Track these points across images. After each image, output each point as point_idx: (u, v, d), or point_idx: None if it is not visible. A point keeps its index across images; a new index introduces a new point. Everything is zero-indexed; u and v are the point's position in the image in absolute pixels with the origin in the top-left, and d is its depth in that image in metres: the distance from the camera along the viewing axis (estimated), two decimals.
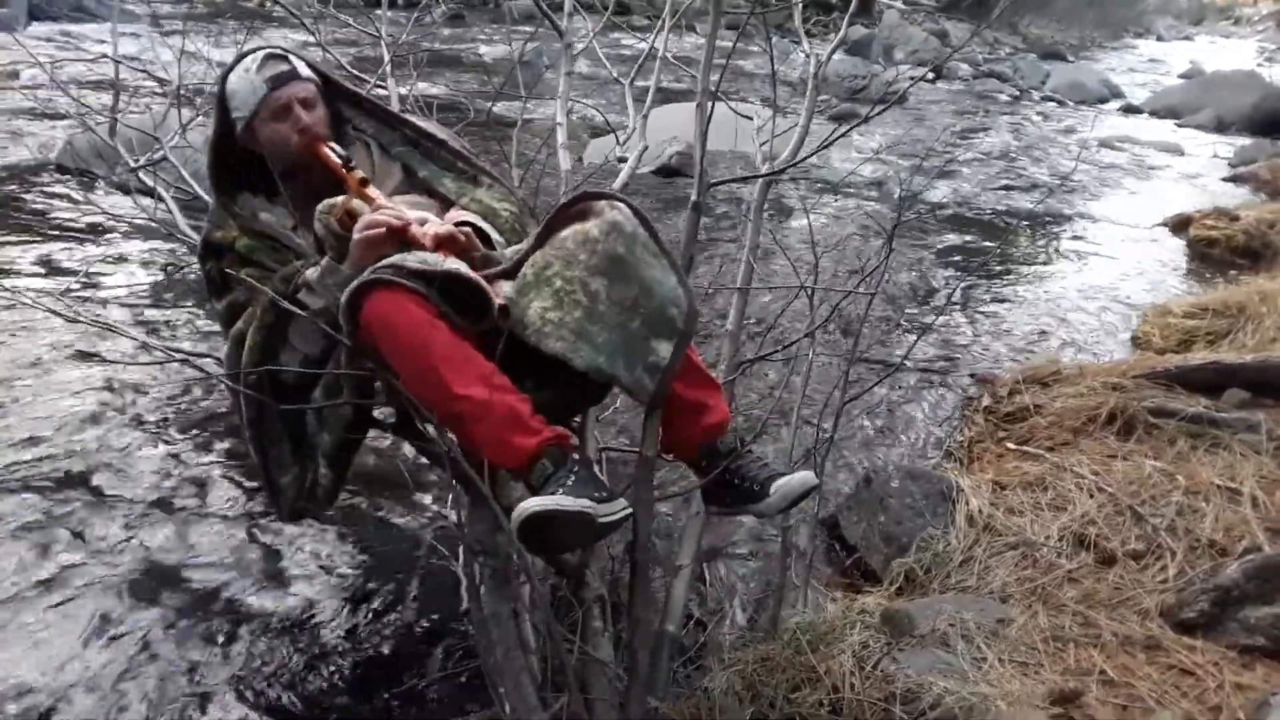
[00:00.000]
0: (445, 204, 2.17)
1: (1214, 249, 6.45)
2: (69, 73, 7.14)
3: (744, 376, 2.87)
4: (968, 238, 6.74)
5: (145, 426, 3.38)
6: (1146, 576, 2.66)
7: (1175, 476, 3.07)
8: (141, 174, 3.65)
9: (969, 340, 4.84)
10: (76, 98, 4.23)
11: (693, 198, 2.24)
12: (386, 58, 3.40)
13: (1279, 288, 4.77)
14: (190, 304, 4.42)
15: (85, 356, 3.72)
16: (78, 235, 5.22)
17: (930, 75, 14.52)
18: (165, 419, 3.45)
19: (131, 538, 2.80)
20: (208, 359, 3.03)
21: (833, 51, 2.91)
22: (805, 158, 2.52)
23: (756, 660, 2.25)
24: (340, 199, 1.95)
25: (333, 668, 2.42)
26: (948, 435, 3.83)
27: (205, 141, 2.20)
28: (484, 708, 2.14)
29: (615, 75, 3.41)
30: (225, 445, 3.31)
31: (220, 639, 2.47)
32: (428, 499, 3.10)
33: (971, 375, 4.36)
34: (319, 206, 1.96)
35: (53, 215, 5.52)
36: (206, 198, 3.17)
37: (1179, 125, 12.48)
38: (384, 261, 1.75)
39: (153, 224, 3.70)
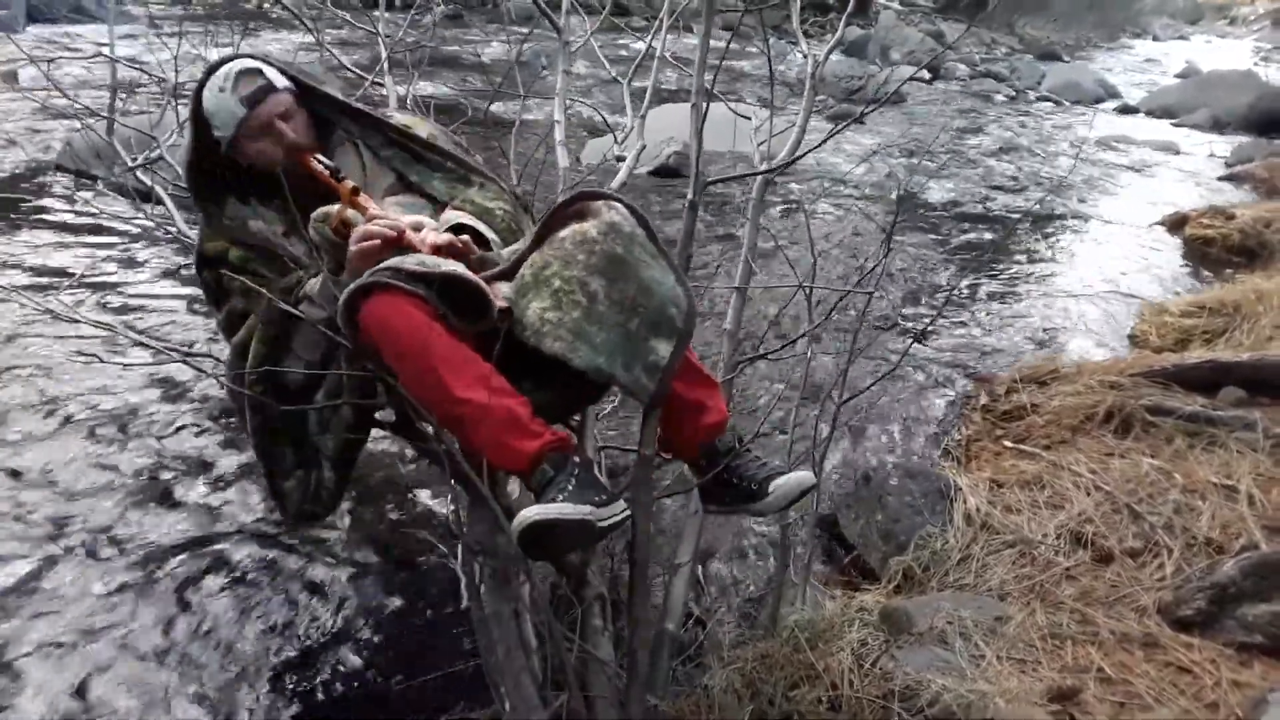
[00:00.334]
0: (437, 206, 2.16)
1: (1210, 248, 6.47)
2: (67, 73, 7.15)
3: (742, 375, 2.88)
4: (965, 237, 6.75)
5: (145, 425, 3.38)
6: (1144, 574, 2.67)
7: (1172, 474, 3.08)
8: (139, 173, 3.66)
9: (966, 339, 4.85)
10: (73, 98, 4.23)
11: (689, 197, 2.25)
12: (384, 56, 3.40)
13: (1275, 286, 4.78)
14: (189, 304, 4.42)
15: (84, 356, 3.72)
16: (76, 235, 5.22)
17: (926, 75, 14.55)
18: (164, 418, 3.45)
19: (130, 537, 2.80)
20: (207, 359, 3.03)
21: (830, 51, 2.92)
22: (801, 156, 2.53)
23: (756, 658, 2.26)
24: (335, 207, 1.95)
25: (333, 667, 2.43)
26: (946, 434, 3.84)
27: (183, 154, 2.18)
28: (485, 706, 2.15)
29: (614, 75, 3.41)
30: (224, 444, 3.31)
31: (219, 638, 2.47)
32: (427, 498, 3.10)
33: (969, 374, 4.37)
34: (314, 215, 1.96)
35: (51, 216, 5.52)
36: None
37: (1175, 125, 12.49)
38: (383, 264, 1.75)
39: (150, 224, 3.70)
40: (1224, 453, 3.19)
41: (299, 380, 2.06)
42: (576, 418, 2.38)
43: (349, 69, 3.76)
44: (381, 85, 3.42)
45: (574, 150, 4.47)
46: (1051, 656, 2.32)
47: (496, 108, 3.68)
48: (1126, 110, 13.71)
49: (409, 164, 2.23)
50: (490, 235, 2.09)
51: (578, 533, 1.63)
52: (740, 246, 2.67)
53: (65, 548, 2.74)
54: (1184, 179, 9.12)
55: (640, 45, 3.82)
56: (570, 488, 1.64)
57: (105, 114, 4.00)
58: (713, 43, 2.13)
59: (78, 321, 2.93)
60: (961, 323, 5.08)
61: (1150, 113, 13.43)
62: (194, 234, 3.16)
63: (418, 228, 1.91)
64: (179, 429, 3.40)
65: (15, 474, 3.05)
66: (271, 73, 2.08)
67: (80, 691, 2.26)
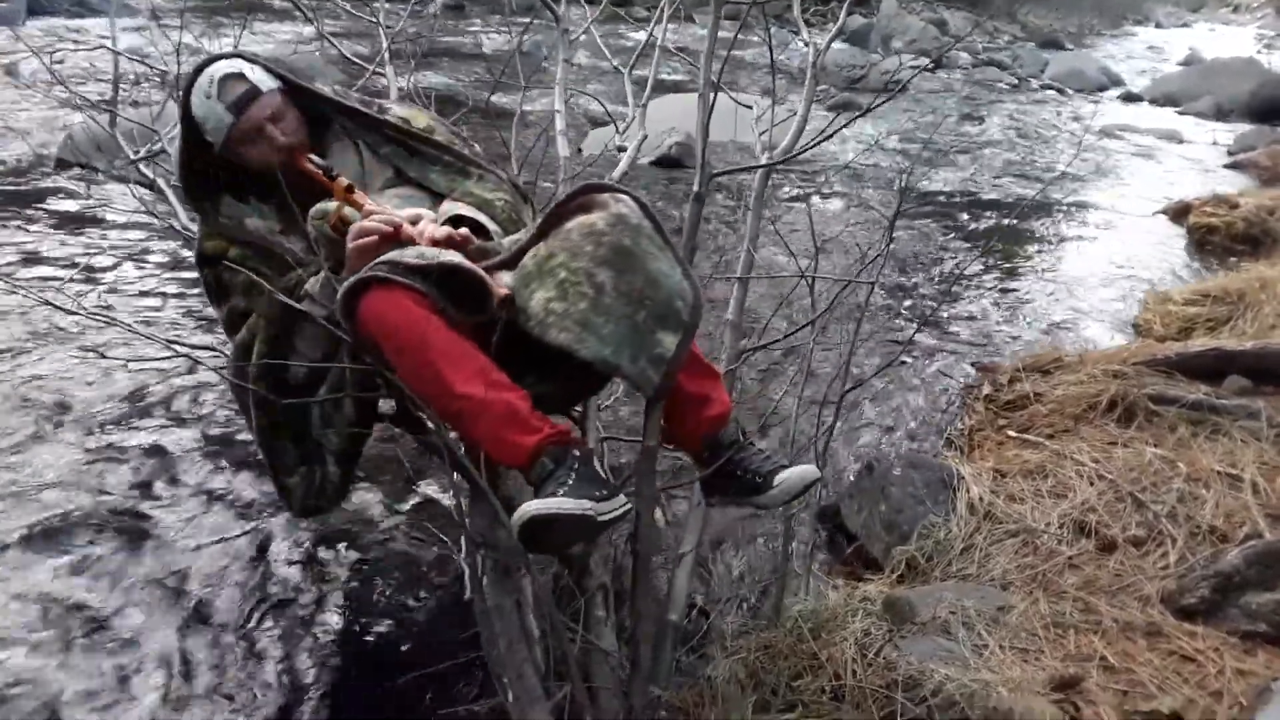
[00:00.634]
0: (437, 198, 2.15)
1: (1214, 236, 6.44)
2: (72, 65, 7.13)
3: (745, 366, 2.87)
4: (968, 226, 6.74)
5: (147, 419, 3.39)
6: (1147, 563, 2.67)
7: (1176, 463, 3.08)
8: (141, 166, 3.65)
9: (969, 328, 4.84)
10: (74, 90, 4.22)
11: (694, 189, 2.24)
12: (385, 47, 3.39)
13: (1278, 274, 4.77)
14: (192, 298, 4.42)
15: (87, 350, 3.72)
16: (78, 228, 5.22)
17: (930, 65, 14.50)
18: (167, 412, 3.45)
19: (134, 530, 2.81)
20: (211, 353, 3.03)
21: (831, 40, 2.90)
22: (805, 148, 2.52)
23: (759, 648, 2.26)
24: (333, 204, 1.94)
25: (337, 659, 2.43)
26: (948, 423, 3.83)
27: (174, 154, 2.16)
28: (488, 698, 2.15)
29: (615, 65, 3.40)
30: (227, 437, 3.32)
31: (223, 631, 2.48)
32: (429, 490, 3.10)
33: (972, 363, 4.37)
34: (312, 212, 1.95)
35: (53, 208, 5.52)
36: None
37: (1178, 113, 12.45)
38: (380, 258, 1.74)
39: (155, 219, 3.69)
40: (1228, 441, 3.18)
41: (301, 377, 2.05)
42: (578, 409, 2.37)
43: (350, 59, 3.75)
44: (383, 76, 3.40)
45: (575, 140, 4.45)
46: (1054, 645, 2.32)
47: (497, 98, 3.67)
48: (1130, 98, 13.67)
49: (406, 159, 2.22)
50: (491, 226, 2.08)
51: (577, 527, 1.62)
52: (742, 236, 2.66)
53: (56, 541, 2.73)
54: (1187, 167, 9.09)
55: (640, 35, 3.80)
56: (570, 482, 1.64)
57: (107, 106, 3.99)
58: (720, 34, 2.13)
59: (79, 314, 2.92)
60: (964, 312, 5.08)
61: (1153, 100, 13.39)
62: (194, 228, 3.16)
63: (415, 221, 1.90)
64: (179, 421, 3.40)
65: (13, 466, 3.05)
66: (257, 74, 2.05)
67: (76, 691, 2.26)
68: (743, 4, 2.76)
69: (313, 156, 2.01)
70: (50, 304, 2.67)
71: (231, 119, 2.00)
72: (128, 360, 3.60)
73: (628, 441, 2.86)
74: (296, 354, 2.03)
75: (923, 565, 2.78)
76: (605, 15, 3.61)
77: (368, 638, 2.51)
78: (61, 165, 6.24)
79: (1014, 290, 5.49)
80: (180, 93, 2.08)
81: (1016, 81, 14.72)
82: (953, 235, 6.50)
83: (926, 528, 2.88)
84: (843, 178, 7.57)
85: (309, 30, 3.93)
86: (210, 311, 4.10)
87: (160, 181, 3.47)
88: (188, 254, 4.66)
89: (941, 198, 7.39)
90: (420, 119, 2.27)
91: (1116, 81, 14.95)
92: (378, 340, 1.71)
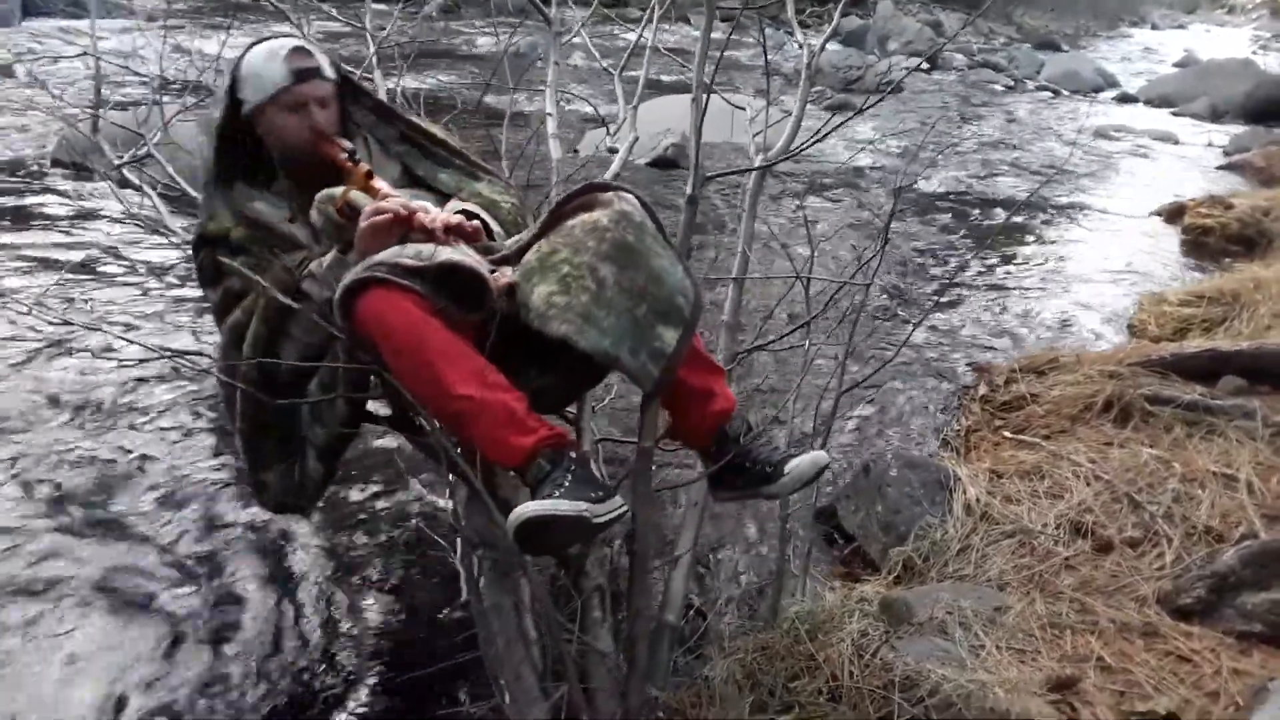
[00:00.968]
0: (444, 199, 2.16)
1: (1209, 237, 6.46)
2: (70, 67, 7.11)
3: (739, 368, 2.87)
4: (963, 227, 6.75)
5: (133, 423, 3.38)
6: (1143, 563, 2.67)
7: (1172, 464, 3.08)
8: (126, 171, 3.63)
9: (965, 329, 4.85)
10: (59, 94, 4.21)
11: (688, 191, 2.24)
12: (372, 50, 3.38)
13: (1273, 275, 4.78)
14: (178, 300, 4.42)
15: (72, 353, 3.71)
16: (70, 230, 5.21)
17: (925, 66, 14.53)
18: (153, 415, 3.44)
19: (121, 534, 2.80)
20: (195, 355, 3.02)
21: (825, 41, 2.90)
22: (799, 149, 2.52)
23: (756, 649, 2.26)
24: (339, 189, 1.95)
25: (332, 660, 2.43)
26: (945, 424, 3.84)
27: (210, 123, 2.18)
28: (485, 699, 2.15)
29: (605, 66, 3.40)
30: (213, 440, 3.31)
31: (218, 632, 2.47)
32: (426, 492, 3.10)
33: (968, 364, 4.37)
34: (318, 196, 1.96)
35: (46, 210, 5.51)
36: (194, 193, 3.17)
37: (1174, 114, 12.49)
38: (378, 258, 1.74)
39: (140, 223, 3.68)
40: (1223, 441, 3.18)
41: (290, 372, 2.04)
42: (573, 410, 2.37)
43: (336, 64, 3.73)
44: (370, 80, 3.40)
45: (568, 142, 4.45)
46: (1051, 646, 2.32)
47: (489, 100, 3.67)
48: (1125, 99, 13.71)
49: (418, 159, 2.24)
50: (495, 227, 2.09)
51: (573, 529, 1.62)
52: (737, 237, 2.66)
53: (44, 543, 2.72)
54: (1182, 168, 9.12)
55: (632, 36, 3.80)
56: (566, 483, 1.64)
57: (90, 110, 3.97)
58: (713, 35, 2.13)
59: (69, 324, 2.93)
60: (960, 313, 5.08)
61: (1149, 102, 13.43)
62: (181, 231, 3.15)
63: (426, 210, 1.91)
64: (166, 424, 3.39)
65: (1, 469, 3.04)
66: (323, 59, 2.10)
67: (67, 692, 2.25)
68: (735, 8, 2.77)
69: (340, 140, 2.03)
70: (33, 312, 2.66)
71: (287, 83, 2.02)
72: (120, 364, 3.58)
73: (624, 443, 2.86)
74: (290, 339, 2.03)
75: (919, 566, 2.78)
76: (597, 17, 3.61)
77: (364, 638, 2.51)
78: (57, 165, 6.23)
79: (1010, 291, 5.49)
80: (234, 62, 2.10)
81: (1012, 83, 14.76)
82: (948, 236, 6.51)
83: (923, 528, 2.88)
84: (839, 179, 7.58)
85: (294, 34, 3.89)
86: (198, 317, 4.15)
87: (146, 185, 3.45)
88: (174, 256, 4.67)
89: (937, 199, 7.40)
90: (433, 127, 2.30)
91: (1112, 83, 15.00)
92: (376, 341, 1.72)
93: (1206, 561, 2.57)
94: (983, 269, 5.88)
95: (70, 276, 4.53)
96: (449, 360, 1.69)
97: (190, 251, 2.18)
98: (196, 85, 4.07)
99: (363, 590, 2.68)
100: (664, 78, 9.02)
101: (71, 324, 2.99)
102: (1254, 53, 18.60)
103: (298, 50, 2.06)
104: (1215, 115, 12.09)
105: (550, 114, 2.98)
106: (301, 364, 2.00)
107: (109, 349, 3.81)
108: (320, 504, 2.52)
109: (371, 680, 2.38)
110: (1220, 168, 9.10)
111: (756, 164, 2.60)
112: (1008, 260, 6.13)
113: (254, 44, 2.09)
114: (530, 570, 1.93)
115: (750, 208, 2.66)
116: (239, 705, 2.27)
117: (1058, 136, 10.41)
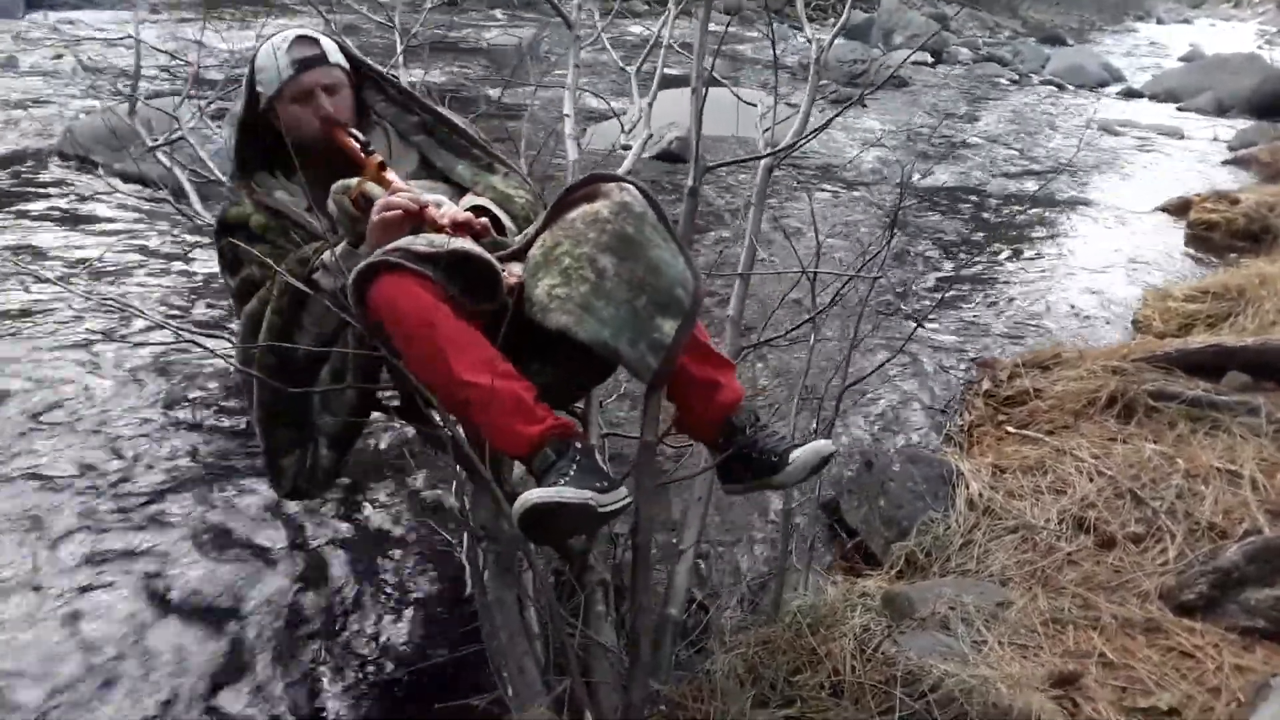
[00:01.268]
0: (460, 191, 2.17)
1: (1214, 232, 6.44)
2: (90, 56, 7.11)
3: (744, 362, 2.88)
4: (969, 222, 6.73)
5: (151, 408, 3.38)
6: (1146, 559, 2.67)
7: (1175, 459, 3.08)
8: (161, 156, 3.66)
9: (969, 324, 4.84)
10: (93, 78, 4.23)
11: (689, 183, 2.24)
12: (399, 46, 3.40)
13: (1279, 271, 4.77)
14: (197, 288, 4.42)
15: (92, 336, 3.71)
16: (78, 221, 5.21)
17: (929, 59, 14.50)
18: (171, 400, 3.45)
19: (133, 521, 2.80)
20: (217, 340, 3.03)
21: (834, 36, 2.90)
22: (802, 141, 2.52)
23: (758, 643, 2.26)
24: (354, 180, 1.96)
25: (335, 651, 2.43)
26: (948, 419, 3.83)
27: (231, 116, 2.20)
28: (488, 691, 2.15)
29: (620, 64, 3.40)
30: (230, 427, 3.31)
31: (222, 623, 2.47)
32: (432, 483, 3.10)
33: (972, 359, 4.37)
34: (333, 186, 1.97)
35: (53, 202, 5.51)
36: (223, 178, 3.19)
37: (1179, 109, 12.45)
38: (392, 244, 1.75)
39: (151, 206, 3.70)
40: (1227, 437, 3.18)
41: (304, 355, 2.05)
42: (580, 405, 2.38)
43: (360, 57, 3.75)
44: (394, 74, 3.41)
45: (581, 137, 4.45)
46: (1053, 641, 2.33)
47: (507, 97, 3.67)
48: (1130, 94, 13.66)
49: (435, 149, 2.25)
50: (508, 223, 2.09)
51: (579, 517, 1.63)
52: (743, 232, 2.66)
53: (57, 530, 2.73)
54: (1188, 163, 9.09)
55: (637, 29, 3.80)
56: (572, 473, 1.65)
57: (129, 95, 3.99)
58: (715, 27, 2.12)
59: (91, 298, 2.93)
60: (964, 308, 5.08)
61: (1154, 96, 13.38)
62: (209, 215, 3.17)
63: (438, 204, 1.92)
64: (183, 410, 3.40)
65: (16, 449, 3.05)
66: (329, 46, 2.12)
67: (72, 685, 2.26)
68: (747, 4, 2.76)
69: (353, 130, 2.04)
70: (63, 286, 2.67)
71: (290, 74, 2.05)
72: (135, 345, 3.58)
73: (629, 438, 2.86)
74: (302, 330, 2.04)
75: (922, 561, 2.78)
76: (609, 10, 3.60)
77: (367, 631, 2.51)
78: (62, 158, 6.23)
79: (1014, 286, 5.48)
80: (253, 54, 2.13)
81: (1017, 77, 14.72)
82: (953, 231, 6.50)
83: (926, 523, 2.88)
84: (845, 174, 7.57)
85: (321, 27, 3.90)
86: (216, 301, 4.16)
87: (176, 170, 3.48)
88: (196, 239, 4.68)
89: (943, 193, 7.39)
90: (454, 117, 2.31)
91: (1117, 77, 14.95)
92: (387, 326, 1.73)
93: (1209, 557, 2.57)
94: (987, 263, 5.87)
95: (81, 265, 4.54)
96: (459, 348, 1.70)
97: (213, 236, 2.20)
98: (235, 74, 4.10)
99: (366, 581, 2.68)
100: (673, 71, 9.00)
101: (93, 298, 3.01)
102: (1260, 47, 18.51)
103: (300, 39, 2.08)
104: (1221, 110, 12.05)
105: (569, 115, 2.98)
106: (311, 348, 2.01)
107: (130, 332, 3.82)
108: (328, 494, 2.53)
109: (374, 672, 2.38)
110: (1226, 162, 9.07)
111: (756, 154, 2.60)
112: (1012, 255, 6.11)
113: (267, 40, 2.11)
114: (534, 560, 1.94)
115: (758, 202, 2.66)
116: (240, 695, 2.27)
117: (1063, 131, 10.38)
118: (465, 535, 2.35)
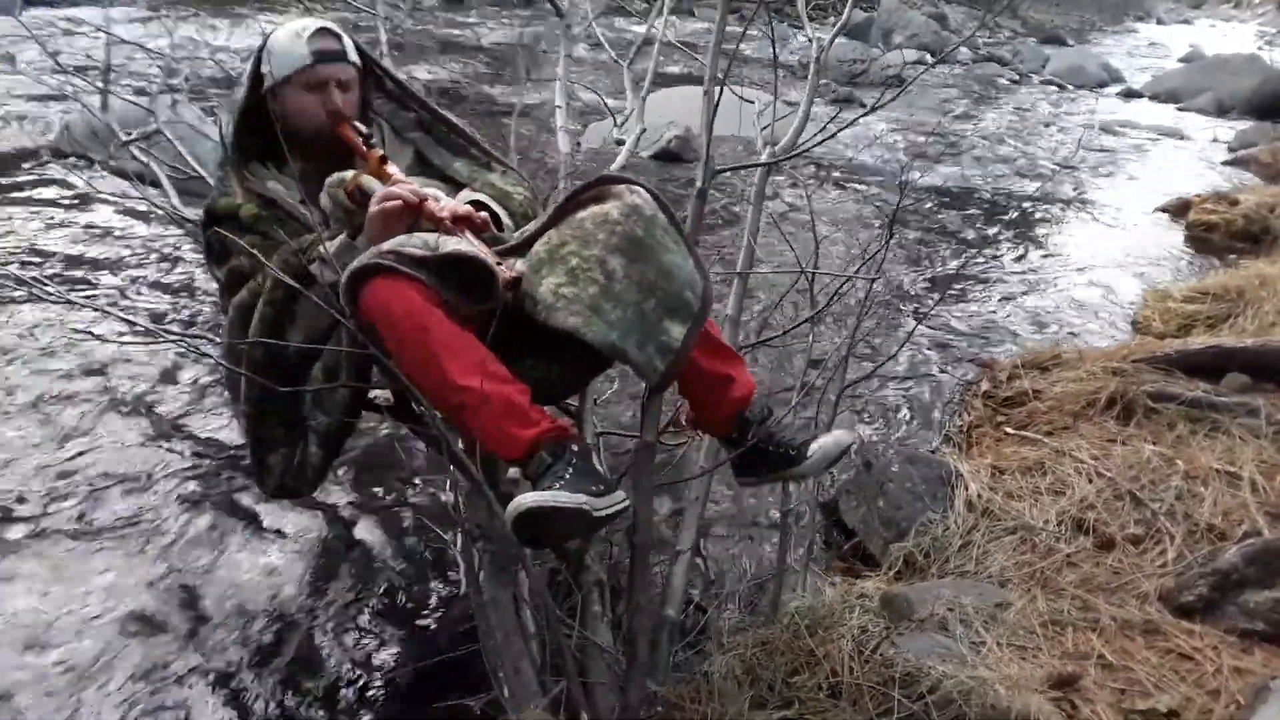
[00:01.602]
0: (457, 188, 2.16)
1: (1213, 233, 6.43)
2: (68, 55, 7.08)
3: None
4: (968, 222, 6.73)
5: (137, 408, 3.37)
6: (1145, 561, 2.67)
7: (1174, 461, 3.07)
8: (136, 152, 3.63)
9: (968, 325, 4.83)
10: (67, 74, 4.19)
11: (698, 185, 2.23)
12: (384, 40, 3.37)
13: (1279, 272, 4.76)
14: (184, 285, 4.41)
15: (77, 336, 3.70)
16: (73, 218, 5.20)
17: (929, 58, 14.48)
18: (157, 401, 3.44)
19: (122, 523, 2.79)
20: (201, 340, 3.01)
21: (835, 36, 2.89)
22: (808, 148, 2.50)
23: (756, 644, 2.25)
24: (350, 173, 1.95)
25: (329, 651, 2.42)
26: (947, 420, 3.83)
27: (230, 102, 2.18)
28: (484, 692, 2.14)
29: (614, 58, 3.39)
30: (216, 427, 3.30)
31: (214, 622, 2.47)
32: (427, 484, 3.09)
33: (971, 360, 4.36)
34: (329, 179, 1.96)
35: (48, 199, 5.50)
36: (204, 174, 3.17)
37: (1179, 109, 12.43)
38: (385, 246, 1.74)
39: (145, 203, 3.67)
40: (1227, 439, 3.17)
41: (295, 351, 2.03)
42: (574, 403, 2.37)
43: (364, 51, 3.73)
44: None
45: (573, 133, 4.46)
46: (1052, 643, 2.32)
47: (497, 92, 3.66)
48: (1130, 94, 13.64)
49: (432, 146, 2.24)
50: (505, 219, 2.08)
51: (573, 521, 1.62)
52: (741, 231, 2.65)
53: (44, 532, 2.72)
54: (1187, 163, 9.08)
55: (637, 27, 3.79)
56: (567, 476, 1.63)
57: (100, 89, 3.95)
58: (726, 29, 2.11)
59: (72, 304, 2.91)
60: (964, 308, 5.07)
61: (1154, 97, 13.36)
62: (188, 212, 3.15)
63: (436, 198, 1.91)
64: (170, 410, 3.39)
65: (6, 451, 3.04)
66: (348, 43, 2.11)
67: (73, 677, 2.25)
68: (747, 2, 2.75)
69: (356, 124, 2.03)
70: (39, 291, 2.65)
71: (309, 62, 2.03)
72: (121, 344, 3.57)
73: (626, 436, 2.85)
74: (294, 323, 2.02)
75: (920, 562, 2.77)
76: (604, 7, 3.59)
77: (362, 631, 2.50)
78: (58, 155, 6.21)
79: (1013, 286, 5.48)
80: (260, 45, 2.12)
81: (1017, 77, 14.69)
82: (953, 231, 6.49)
83: (924, 524, 2.87)
84: (844, 173, 7.56)
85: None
86: (205, 299, 4.15)
87: (153, 165, 3.45)
88: (180, 233, 4.66)
89: (942, 193, 7.38)
90: (450, 114, 2.31)
91: (1117, 78, 14.92)
92: (380, 329, 1.71)
93: (1209, 559, 2.56)
94: (986, 264, 5.86)
95: (74, 263, 4.53)
96: (451, 352, 1.69)
97: (199, 229, 2.18)
98: (214, 78, 4.06)
99: (361, 581, 2.67)
100: (669, 69, 8.98)
101: (73, 303, 2.98)
102: (1260, 48, 18.48)
103: (323, 31, 2.07)
104: (1221, 110, 12.04)
105: (560, 106, 2.97)
106: (303, 345, 1.99)
107: (114, 332, 3.80)
108: (318, 493, 2.52)
109: (369, 672, 2.37)
110: (1226, 163, 9.06)
111: (764, 159, 2.59)
112: (1011, 255, 6.11)
113: (282, 26, 2.10)
114: (529, 563, 1.93)
115: (756, 202, 2.65)
116: (234, 695, 2.27)
117: (1063, 131, 10.36)
118: (460, 535, 2.34)
